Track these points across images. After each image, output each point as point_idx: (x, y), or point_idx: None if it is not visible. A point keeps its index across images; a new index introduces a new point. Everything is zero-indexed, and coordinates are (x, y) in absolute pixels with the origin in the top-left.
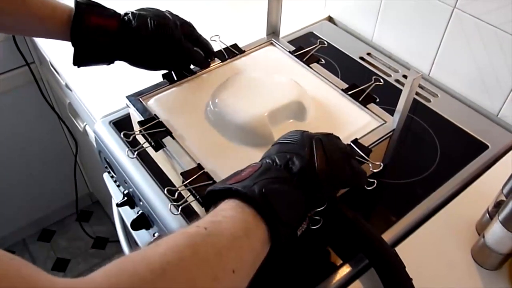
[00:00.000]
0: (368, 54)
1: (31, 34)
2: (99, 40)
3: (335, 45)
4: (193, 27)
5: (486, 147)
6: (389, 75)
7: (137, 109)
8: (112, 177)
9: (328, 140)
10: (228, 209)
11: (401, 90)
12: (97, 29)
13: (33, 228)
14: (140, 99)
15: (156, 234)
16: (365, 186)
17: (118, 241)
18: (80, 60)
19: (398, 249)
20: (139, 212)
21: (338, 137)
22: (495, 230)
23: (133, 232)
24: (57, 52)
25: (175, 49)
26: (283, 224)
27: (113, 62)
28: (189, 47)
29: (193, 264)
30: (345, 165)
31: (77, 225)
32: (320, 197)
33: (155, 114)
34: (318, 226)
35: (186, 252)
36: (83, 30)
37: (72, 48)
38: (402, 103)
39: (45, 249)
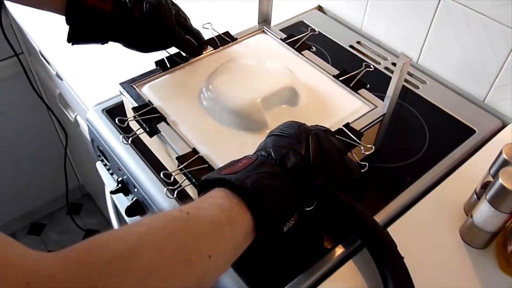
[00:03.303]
0: (358, 42)
1: (34, 5)
2: (93, 20)
3: (325, 34)
4: (187, 19)
5: (473, 131)
6: (379, 63)
7: (131, 96)
8: (105, 165)
9: (325, 136)
10: (216, 196)
11: (390, 77)
12: (91, 10)
13: (23, 221)
14: (134, 86)
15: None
16: None
17: None
18: (73, 38)
19: (390, 230)
20: (133, 199)
21: (334, 134)
22: (483, 209)
23: (128, 219)
24: (47, 41)
25: (167, 35)
26: (270, 220)
27: (106, 42)
28: (181, 35)
29: (167, 245)
30: (339, 163)
31: (67, 218)
32: (312, 193)
33: (149, 101)
34: (312, 208)
35: (162, 232)
36: (77, 10)
37: (61, 27)
38: (392, 88)
39: (35, 243)
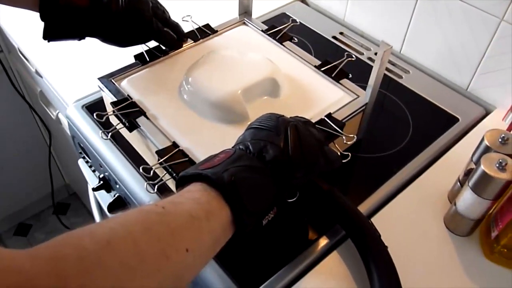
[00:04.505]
0: (341, 33)
1: (7, 3)
2: (68, 16)
3: (307, 25)
4: (166, 11)
5: (457, 120)
6: (362, 53)
7: (109, 91)
8: (87, 162)
9: (304, 127)
10: (193, 191)
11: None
12: (66, 5)
13: (9, 223)
14: (112, 80)
15: None
16: None
17: None
18: (49, 34)
19: (374, 219)
20: (116, 195)
21: (314, 124)
22: (466, 197)
23: (110, 216)
24: (25, 38)
25: (145, 28)
26: (248, 213)
27: (84, 38)
28: (159, 27)
29: (142, 238)
30: (319, 154)
31: (54, 218)
32: (291, 185)
33: (128, 95)
34: (295, 199)
35: (136, 227)
36: (52, 6)
37: (39, 24)
38: (373, 76)
39: (22, 244)
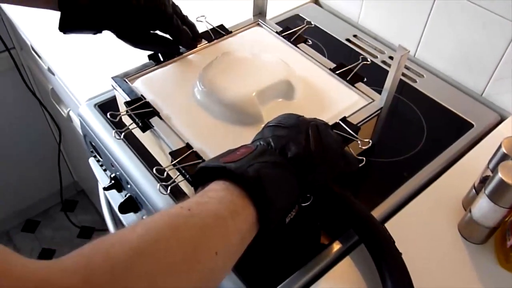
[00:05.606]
0: (355, 36)
1: (25, 4)
2: (86, 5)
3: (321, 27)
4: (180, 10)
5: (471, 125)
6: (376, 57)
7: (123, 90)
8: (98, 161)
9: (324, 128)
10: (217, 189)
11: (387, 71)
12: None
13: (17, 219)
14: (126, 80)
15: (144, 217)
16: None
17: (103, 230)
18: (66, 25)
19: (388, 225)
20: (127, 195)
21: (331, 127)
22: (482, 204)
23: (121, 216)
24: (38, 35)
25: (165, 25)
26: (273, 210)
27: (100, 32)
28: (179, 25)
29: (172, 244)
30: (339, 154)
31: (62, 215)
32: (313, 183)
33: (141, 95)
34: (308, 203)
35: (165, 232)
36: None
37: (52, 21)
38: (390, 80)
39: (29, 240)
